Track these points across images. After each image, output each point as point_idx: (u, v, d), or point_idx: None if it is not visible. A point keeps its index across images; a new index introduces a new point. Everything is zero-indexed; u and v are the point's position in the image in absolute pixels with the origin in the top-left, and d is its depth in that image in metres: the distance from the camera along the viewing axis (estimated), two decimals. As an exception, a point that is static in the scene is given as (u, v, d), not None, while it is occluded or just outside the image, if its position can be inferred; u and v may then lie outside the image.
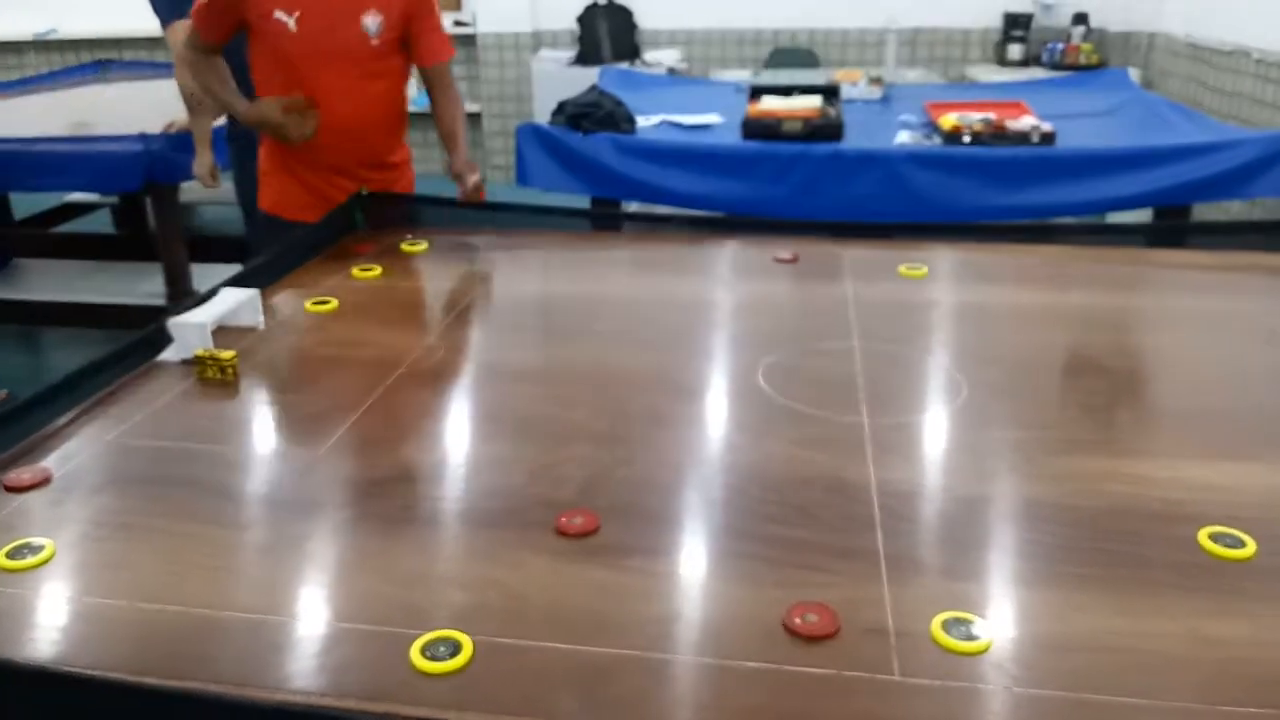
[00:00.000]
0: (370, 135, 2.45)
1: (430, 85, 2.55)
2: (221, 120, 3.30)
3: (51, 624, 1.03)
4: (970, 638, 0.97)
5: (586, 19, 6.21)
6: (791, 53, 6.29)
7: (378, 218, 2.36)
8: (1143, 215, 3.45)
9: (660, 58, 6.23)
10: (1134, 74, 5.07)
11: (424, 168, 3.03)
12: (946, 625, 0.98)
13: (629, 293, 2.05)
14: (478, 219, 2.47)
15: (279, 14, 2.23)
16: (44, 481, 1.27)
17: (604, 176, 3.28)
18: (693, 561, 1.12)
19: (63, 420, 1.44)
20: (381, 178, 2.52)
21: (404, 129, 2.61)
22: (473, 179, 2.47)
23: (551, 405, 1.50)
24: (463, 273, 2.20)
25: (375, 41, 2.36)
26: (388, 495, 1.26)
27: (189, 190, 3.65)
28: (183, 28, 2.87)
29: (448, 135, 2.58)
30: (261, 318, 1.77)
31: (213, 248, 4.19)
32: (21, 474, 1.28)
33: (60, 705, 0.93)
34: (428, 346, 1.71)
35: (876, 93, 4.16)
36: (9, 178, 3.55)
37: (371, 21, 2.33)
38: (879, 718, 0.89)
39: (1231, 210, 4.52)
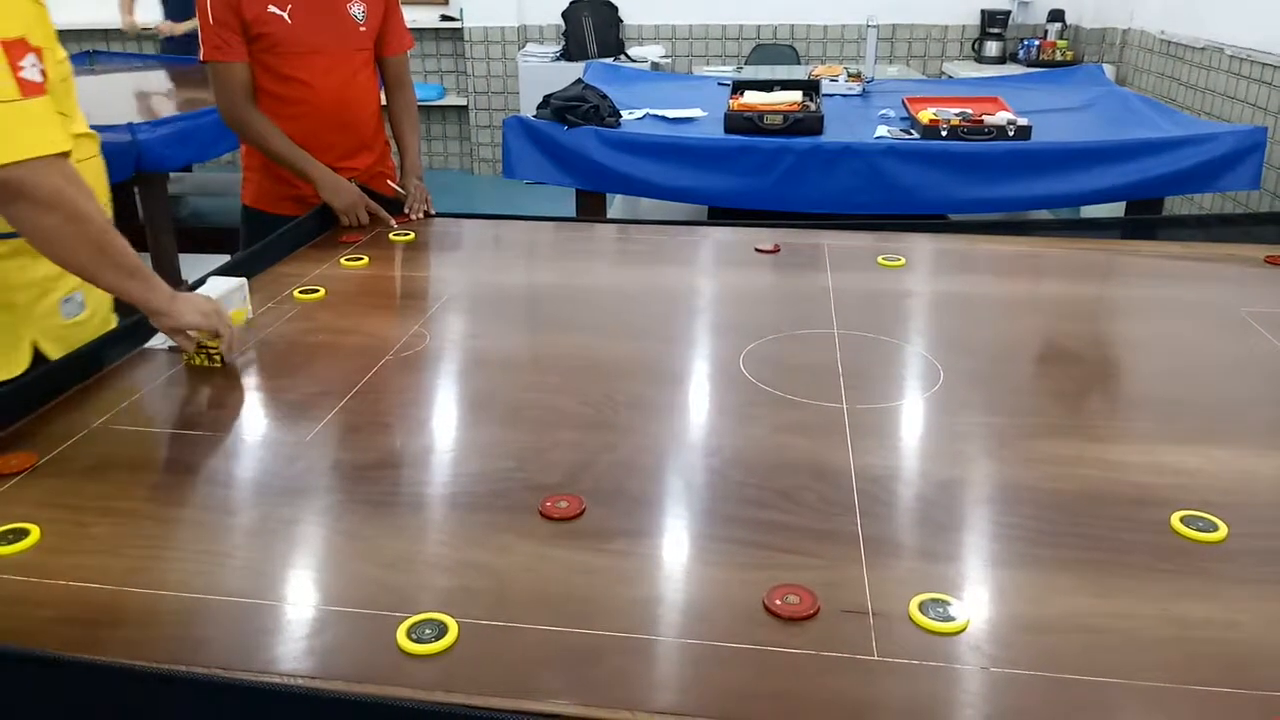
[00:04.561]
0: (359, 122, 2.46)
1: (391, 78, 2.55)
2: None
3: (37, 609, 1.02)
4: (947, 618, 0.98)
5: (572, 14, 6.21)
6: (773, 49, 6.32)
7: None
8: (1115, 209, 3.48)
9: (644, 53, 6.24)
10: (1108, 70, 5.12)
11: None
12: (924, 606, 1.00)
13: (614, 282, 2.06)
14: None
15: (272, 8, 2.27)
16: (30, 467, 1.27)
17: (589, 169, 3.28)
18: (676, 545, 1.14)
19: (49, 406, 1.44)
20: (366, 165, 2.51)
21: (382, 117, 2.61)
22: (421, 199, 2.44)
23: (537, 392, 1.51)
24: (449, 262, 2.21)
25: (363, 28, 2.39)
26: (375, 480, 1.26)
27: (178, 181, 3.59)
28: None
29: (404, 137, 2.57)
30: (249, 306, 1.77)
31: (201, 238, 4.15)
32: (8, 459, 1.27)
33: (47, 690, 0.93)
34: (414, 334, 1.71)
35: (856, 88, 4.17)
36: None
37: (357, 9, 2.38)
38: (858, 697, 0.90)
39: (1203, 204, 4.57)
